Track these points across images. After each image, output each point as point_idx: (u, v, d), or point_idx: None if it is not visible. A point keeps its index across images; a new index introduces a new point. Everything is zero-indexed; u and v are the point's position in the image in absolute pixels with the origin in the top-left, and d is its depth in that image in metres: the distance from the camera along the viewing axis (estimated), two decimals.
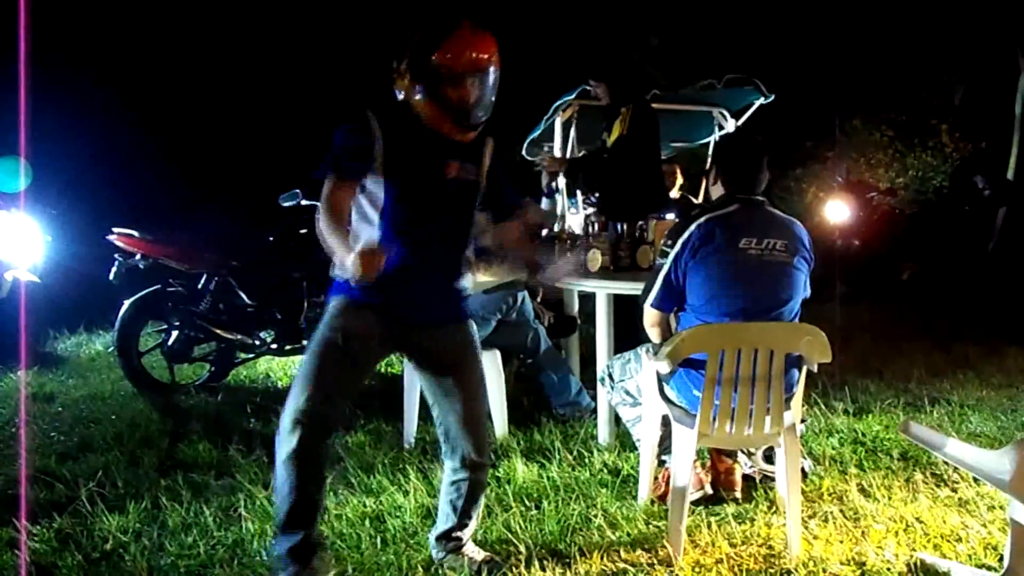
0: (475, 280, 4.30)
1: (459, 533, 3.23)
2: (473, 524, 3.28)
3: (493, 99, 2.89)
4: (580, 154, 7.03)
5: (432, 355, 3.11)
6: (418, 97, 2.83)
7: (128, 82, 11.40)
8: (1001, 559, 3.25)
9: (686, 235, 3.54)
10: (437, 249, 2.99)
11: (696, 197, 7.88)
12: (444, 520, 3.24)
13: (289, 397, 2.85)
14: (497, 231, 3.21)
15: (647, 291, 3.69)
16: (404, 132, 2.87)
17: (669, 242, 3.61)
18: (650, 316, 3.76)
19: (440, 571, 3.24)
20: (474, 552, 3.26)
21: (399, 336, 3.05)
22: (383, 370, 6.43)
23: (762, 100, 7.04)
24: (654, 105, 6.94)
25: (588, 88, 6.27)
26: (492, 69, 2.83)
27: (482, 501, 3.33)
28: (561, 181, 7.24)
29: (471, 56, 2.77)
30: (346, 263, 2.57)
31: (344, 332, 2.89)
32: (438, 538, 3.26)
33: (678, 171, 8.02)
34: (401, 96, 2.88)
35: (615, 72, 5.87)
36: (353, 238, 2.91)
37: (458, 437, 3.12)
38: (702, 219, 3.56)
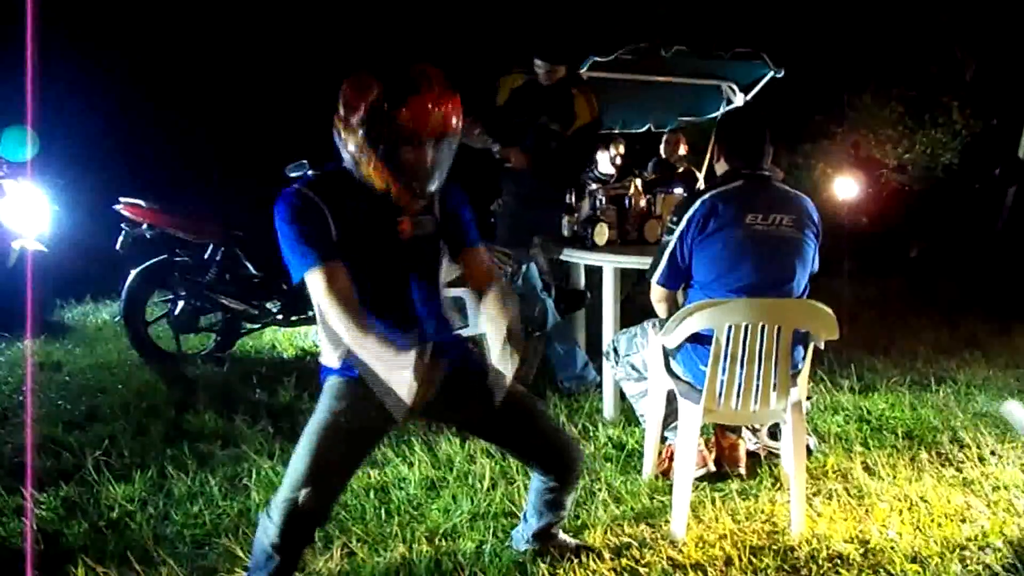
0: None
1: (557, 526, 3.11)
2: (570, 506, 3.14)
3: (449, 167, 2.57)
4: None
5: (449, 410, 2.82)
6: (368, 157, 2.49)
7: (136, 51, 11.34)
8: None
9: (691, 212, 3.52)
10: (413, 308, 2.67)
11: (699, 169, 7.86)
12: (538, 517, 3.07)
13: (286, 482, 2.54)
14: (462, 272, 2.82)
15: (653, 267, 3.68)
16: (348, 198, 2.54)
17: (674, 219, 3.59)
18: (656, 292, 3.75)
19: (445, 543, 3.26)
20: (567, 539, 3.18)
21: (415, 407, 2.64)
22: None
23: (772, 74, 6.99)
24: (662, 78, 6.91)
25: (598, 59, 6.20)
26: (455, 135, 2.53)
27: (579, 477, 3.07)
28: None
29: (437, 119, 2.45)
30: (392, 382, 2.31)
31: (347, 415, 2.55)
32: (536, 536, 3.10)
33: (682, 140, 7.99)
34: (345, 152, 2.54)
35: (574, 53, 5.61)
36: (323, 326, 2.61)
37: (535, 461, 2.96)
38: (707, 195, 3.54)
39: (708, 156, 6.93)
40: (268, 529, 2.53)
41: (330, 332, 2.59)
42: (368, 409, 2.54)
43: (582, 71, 6.34)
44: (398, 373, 2.31)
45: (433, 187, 2.56)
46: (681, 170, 7.77)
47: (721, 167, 3.73)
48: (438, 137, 2.47)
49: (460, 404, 2.78)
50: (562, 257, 5.23)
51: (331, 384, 2.64)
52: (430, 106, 2.43)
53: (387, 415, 2.57)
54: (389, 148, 2.46)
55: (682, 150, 7.94)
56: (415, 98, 2.42)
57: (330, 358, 2.64)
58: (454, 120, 2.50)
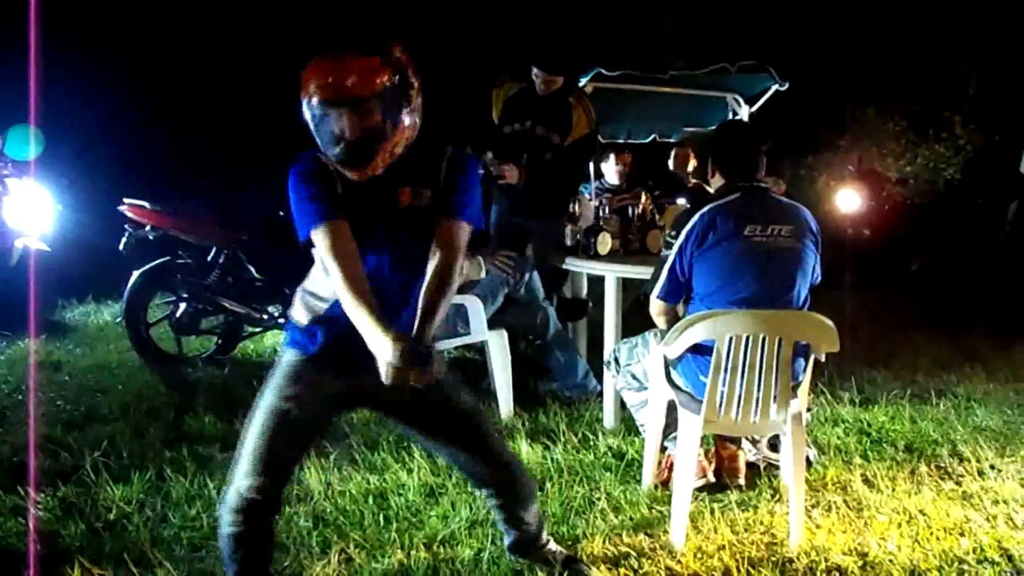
0: None
1: (528, 540, 3.11)
2: (536, 521, 3.11)
3: (382, 132, 2.44)
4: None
5: (398, 406, 2.83)
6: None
7: (143, 51, 11.37)
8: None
9: (690, 226, 3.53)
10: (397, 285, 2.61)
11: (707, 182, 7.86)
12: (506, 533, 3.12)
13: (237, 470, 2.56)
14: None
15: (653, 282, 3.69)
16: None
17: (673, 233, 3.60)
18: (656, 306, 3.75)
19: (444, 549, 3.26)
20: (555, 550, 3.15)
21: (364, 393, 2.70)
22: None
23: (776, 87, 7.01)
24: (667, 89, 6.93)
25: (603, 71, 6.22)
26: (362, 98, 2.39)
27: (529, 494, 3.07)
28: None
29: (330, 81, 2.37)
30: (378, 349, 2.30)
31: (298, 400, 2.58)
32: (511, 549, 3.13)
33: (691, 154, 8.00)
34: None
35: (572, 64, 5.57)
36: (314, 285, 2.66)
37: (472, 468, 2.96)
38: (705, 209, 3.55)
39: None
40: (226, 519, 2.55)
41: (311, 293, 2.64)
42: (319, 394, 2.62)
43: (586, 81, 6.36)
44: (383, 351, 2.29)
45: (367, 158, 2.46)
46: (691, 184, 7.77)
47: (717, 181, 3.76)
48: (337, 103, 2.39)
49: (403, 403, 2.77)
50: (564, 266, 5.24)
51: (287, 360, 2.66)
52: (323, 69, 2.39)
53: (337, 402, 2.73)
54: (309, 119, 2.44)
55: (692, 164, 7.94)
56: (310, 65, 2.41)
57: (300, 313, 2.67)
58: (358, 83, 2.38)
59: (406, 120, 2.50)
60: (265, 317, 6.03)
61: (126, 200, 5.83)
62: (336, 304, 2.53)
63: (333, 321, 2.58)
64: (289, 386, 2.61)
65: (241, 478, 2.53)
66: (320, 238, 2.44)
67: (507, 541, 3.13)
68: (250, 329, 6.26)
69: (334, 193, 2.48)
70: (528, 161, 5.20)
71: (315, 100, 2.40)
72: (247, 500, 2.52)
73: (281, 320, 6.07)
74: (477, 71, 6.37)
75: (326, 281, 2.55)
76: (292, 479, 2.82)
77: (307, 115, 2.45)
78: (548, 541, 3.17)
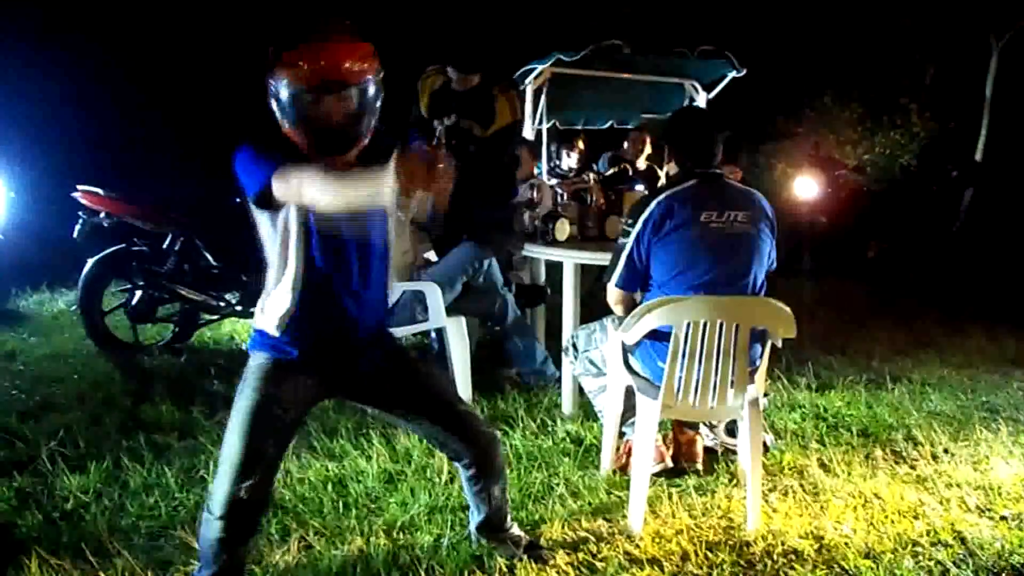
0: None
1: (497, 519, 3.11)
2: (504, 498, 3.11)
3: (365, 119, 2.48)
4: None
5: (376, 391, 2.84)
6: (279, 115, 2.44)
7: (97, 34, 11.20)
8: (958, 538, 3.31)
9: (646, 213, 3.53)
10: (357, 275, 2.61)
11: (661, 168, 7.89)
12: (476, 511, 3.10)
13: (222, 475, 2.51)
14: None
15: (611, 271, 3.69)
16: (292, 159, 2.38)
17: (630, 221, 3.60)
18: (614, 295, 3.76)
19: (403, 536, 3.25)
20: (518, 535, 3.16)
21: (334, 385, 2.76)
22: None
23: (734, 73, 7.04)
24: (625, 75, 6.94)
25: (562, 58, 6.21)
26: (357, 84, 2.41)
27: (501, 470, 3.06)
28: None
29: (330, 65, 2.35)
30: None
31: (269, 398, 2.54)
32: (479, 529, 3.12)
33: (647, 140, 8.02)
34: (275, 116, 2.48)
35: (488, 60, 5.60)
36: (274, 276, 2.57)
37: (450, 443, 2.94)
38: (661, 196, 3.55)
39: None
40: (211, 524, 2.51)
41: (279, 287, 2.56)
42: (297, 391, 2.59)
43: (545, 67, 6.36)
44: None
45: (347, 144, 2.48)
46: (643, 168, 7.80)
47: (672, 168, 3.77)
48: (334, 86, 2.38)
49: (380, 387, 2.80)
50: (523, 252, 5.24)
51: (259, 364, 2.61)
52: (320, 52, 2.36)
53: (314, 395, 2.69)
54: (290, 102, 2.40)
55: (646, 151, 7.97)
56: (304, 45, 2.36)
57: (268, 320, 2.58)
58: (354, 68, 2.40)
59: (377, 109, 2.51)
60: (222, 305, 5.98)
61: (80, 187, 5.75)
62: (300, 300, 2.51)
63: (302, 321, 2.55)
64: (265, 386, 2.56)
65: (229, 482, 2.48)
66: (285, 178, 2.32)
67: (475, 520, 3.12)
68: (207, 316, 6.21)
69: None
70: (454, 154, 5.22)
71: (308, 82, 2.36)
72: (237, 502, 2.48)
73: (239, 308, 6.02)
74: (403, 62, 6.32)
75: (282, 274, 2.53)
76: (277, 474, 2.77)
77: (286, 98, 2.40)
78: (512, 526, 3.17)
